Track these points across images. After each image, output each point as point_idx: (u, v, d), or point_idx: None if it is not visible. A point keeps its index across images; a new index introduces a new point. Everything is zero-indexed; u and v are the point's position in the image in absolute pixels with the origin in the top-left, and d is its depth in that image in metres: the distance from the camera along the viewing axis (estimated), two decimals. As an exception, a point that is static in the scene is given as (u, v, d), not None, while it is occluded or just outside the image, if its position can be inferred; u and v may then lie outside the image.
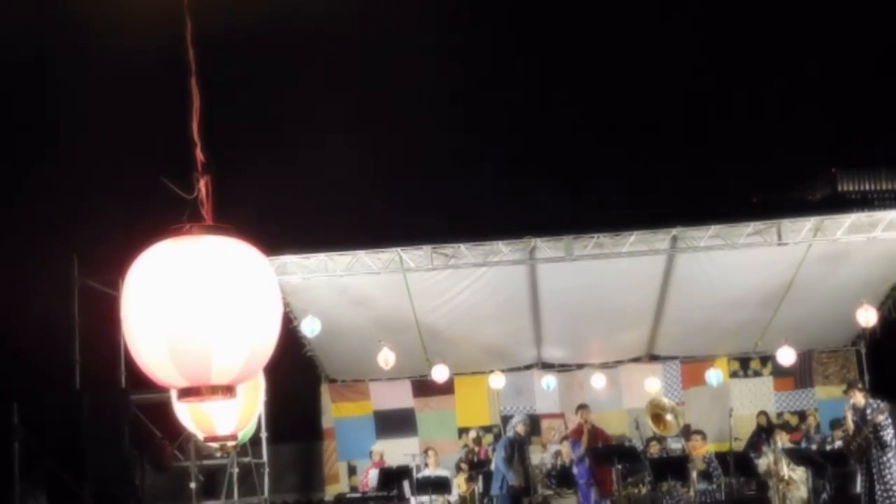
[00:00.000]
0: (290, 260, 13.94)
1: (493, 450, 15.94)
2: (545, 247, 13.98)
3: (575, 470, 14.43)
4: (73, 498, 10.61)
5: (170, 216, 3.84)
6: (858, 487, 12.97)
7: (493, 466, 14.35)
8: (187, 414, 5.48)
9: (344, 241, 14.70)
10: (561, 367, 18.75)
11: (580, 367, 18.76)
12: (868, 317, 14.90)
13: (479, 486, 14.44)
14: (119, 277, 12.24)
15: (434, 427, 18.59)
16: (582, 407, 15.11)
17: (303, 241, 15.03)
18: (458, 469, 16.12)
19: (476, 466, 15.44)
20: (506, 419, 18.29)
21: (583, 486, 14.15)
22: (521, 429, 13.62)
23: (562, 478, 14.28)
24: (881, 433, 12.43)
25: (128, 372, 12.11)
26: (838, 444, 14.05)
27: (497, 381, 17.89)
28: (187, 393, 3.69)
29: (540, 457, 15.47)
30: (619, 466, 13.65)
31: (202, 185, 4.00)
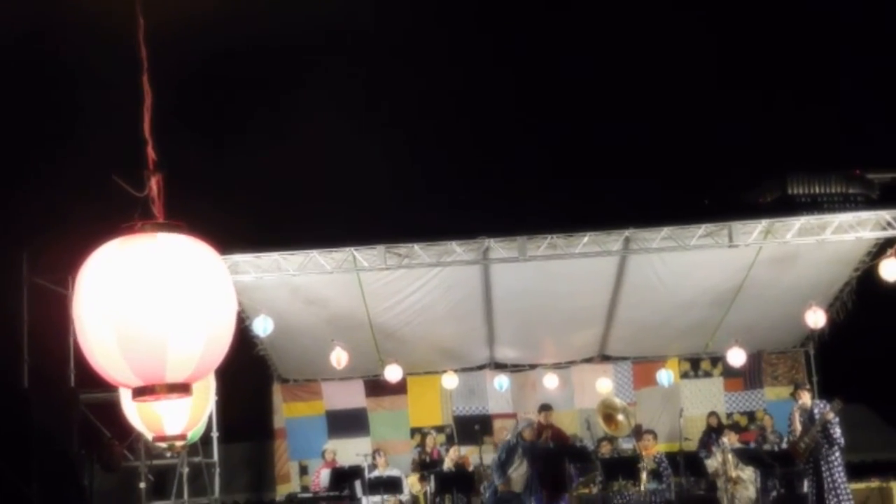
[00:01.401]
0: (243, 259, 13.86)
1: (446, 450, 15.94)
2: (499, 247, 13.99)
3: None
4: (20, 498, 10.49)
5: (121, 214, 3.81)
6: (806, 487, 13.12)
7: None
8: (136, 413, 5.44)
9: (297, 241, 14.65)
10: (513, 368, 18.80)
11: (533, 367, 18.82)
12: (817, 318, 15.07)
13: (430, 487, 14.42)
14: (69, 275, 12.13)
15: (386, 427, 18.56)
16: (545, 408, 15.11)
17: (255, 240, 14.99)
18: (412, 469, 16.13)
19: (428, 466, 15.44)
20: (458, 419, 18.33)
21: (536, 486, 14.15)
22: (527, 434, 13.55)
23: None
24: (830, 430, 12.56)
25: (77, 371, 12.00)
26: (785, 445, 14.21)
27: (450, 381, 17.91)
28: (142, 392, 3.66)
29: (492, 457, 15.46)
30: (571, 466, 13.69)
31: (154, 184, 3.98)
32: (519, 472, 13.25)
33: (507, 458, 13.33)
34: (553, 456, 13.63)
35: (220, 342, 3.72)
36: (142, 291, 3.45)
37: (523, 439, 13.47)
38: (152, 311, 3.45)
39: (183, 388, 3.71)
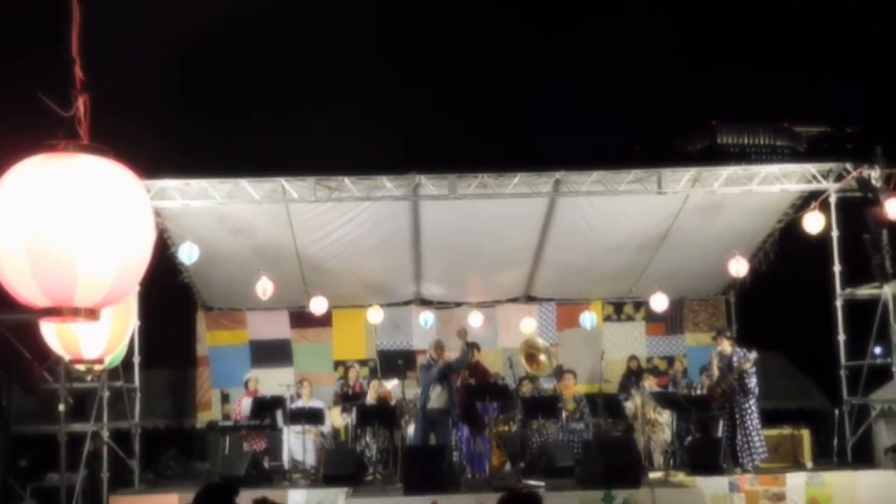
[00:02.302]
0: (170, 184, 13.71)
1: (368, 384, 15.96)
2: (429, 184, 13.99)
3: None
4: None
5: (45, 132, 3.74)
6: (720, 432, 13.42)
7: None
8: (54, 335, 5.38)
9: (226, 168, 14.52)
10: (439, 305, 18.86)
11: (458, 304, 18.89)
12: (739, 267, 15.32)
13: (352, 419, 14.49)
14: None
15: (310, 359, 18.57)
16: (472, 345, 15.15)
17: (183, 166, 14.80)
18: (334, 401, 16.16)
19: (350, 399, 15.49)
20: (382, 354, 18.37)
21: (458, 423, 14.28)
22: (433, 353, 13.61)
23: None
24: (746, 380, 12.87)
25: (-4, 291, 11.81)
26: (704, 391, 14.49)
27: (375, 315, 17.94)
28: (48, 313, 3.62)
29: (414, 391, 15.55)
30: (493, 404, 13.83)
31: (81, 104, 3.91)
32: (437, 392, 13.34)
33: (426, 379, 13.46)
34: (474, 393, 13.77)
35: (133, 270, 3.68)
36: (56, 211, 3.39)
37: (431, 358, 13.53)
38: (65, 231, 3.39)
39: (90, 313, 3.67)
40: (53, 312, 3.60)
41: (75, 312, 3.59)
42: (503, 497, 4.96)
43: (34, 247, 3.40)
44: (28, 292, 3.53)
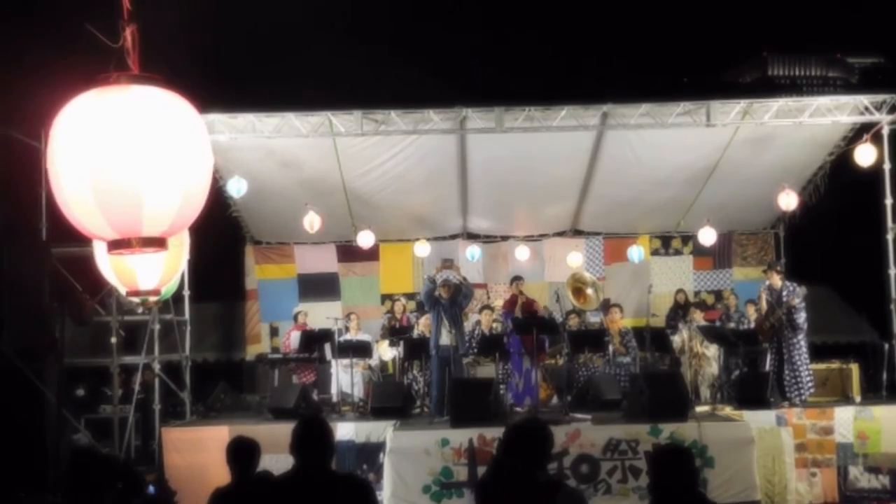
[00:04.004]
0: (218, 118, 13.72)
1: (416, 318, 16.01)
2: (476, 117, 13.91)
3: (506, 339, 14.32)
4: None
5: (95, 65, 3.75)
6: (768, 366, 13.38)
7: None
8: (110, 268, 5.44)
9: (273, 103, 14.49)
10: (486, 238, 18.87)
11: (505, 238, 18.92)
12: (789, 201, 15.17)
13: (399, 352, 14.55)
14: (41, 128, 11.93)
15: (357, 292, 18.69)
16: (516, 279, 15.17)
17: (231, 100, 14.78)
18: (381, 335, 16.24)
19: (397, 333, 15.55)
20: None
21: (515, 356, 14.30)
22: (441, 289, 13.46)
23: (482, 346, 14.33)
24: (794, 316, 12.79)
25: (49, 224, 11.92)
26: (751, 324, 14.43)
27: (422, 249, 17.98)
28: (118, 245, 3.65)
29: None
30: (542, 337, 13.83)
31: (128, 34, 3.90)
32: (446, 330, 13.23)
33: (434, 318, 13.36)
34: (520, 326, 13.78)
35: (196, 197, 3.70)
36: (117, 144, 3.40)
37: (441, 296, 13.30)
38: (128, 164, 3.41)
39: (159, 243, 3.70)
40: (122, 245, 3.62)
41: (144, 242, 3.62)
42: (510, 430, 4.75)
43: (99, 182, 3.42)
44: (96, 227, 3.56)
